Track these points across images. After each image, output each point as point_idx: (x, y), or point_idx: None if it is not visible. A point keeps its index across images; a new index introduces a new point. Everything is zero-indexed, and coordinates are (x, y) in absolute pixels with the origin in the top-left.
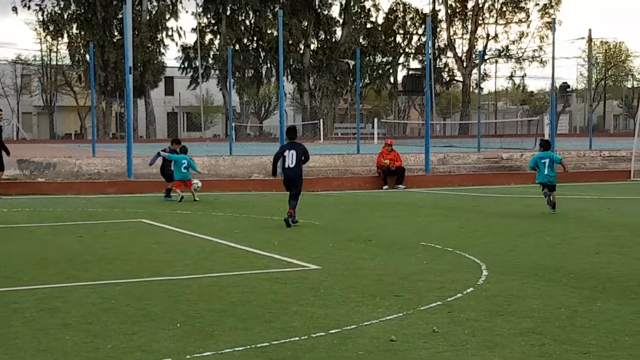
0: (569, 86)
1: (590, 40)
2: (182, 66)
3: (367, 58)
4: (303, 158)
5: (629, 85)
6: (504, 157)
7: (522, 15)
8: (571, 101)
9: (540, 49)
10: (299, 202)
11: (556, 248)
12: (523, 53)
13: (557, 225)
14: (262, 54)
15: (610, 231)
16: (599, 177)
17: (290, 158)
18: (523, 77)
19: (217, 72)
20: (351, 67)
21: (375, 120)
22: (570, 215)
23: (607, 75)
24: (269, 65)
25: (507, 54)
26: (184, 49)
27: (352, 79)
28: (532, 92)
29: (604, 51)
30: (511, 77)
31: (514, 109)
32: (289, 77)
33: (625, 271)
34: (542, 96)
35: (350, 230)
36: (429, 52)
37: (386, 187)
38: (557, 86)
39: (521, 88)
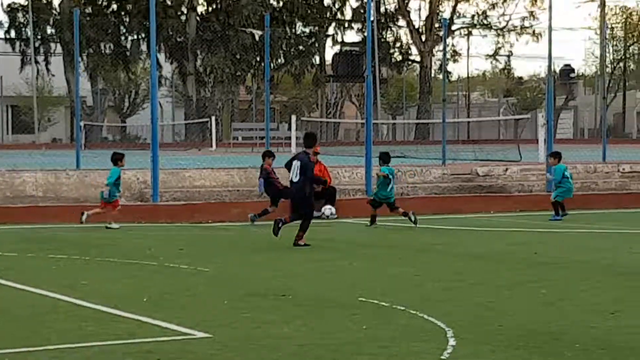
0: (573, 70)
1: (603, 4)
2: (7, 37)
3: (282, 27)
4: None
5: None
6: (480, 174)
7: None
8: (577, 92)
9: (532, 15)
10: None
11: (555, 306)
12: (508, 22)
13: (557, 273)
14: (126, 20)
15: (633, 281)
16: (617, 201)
17: (295, 170)
18: (509, 56)
19: (59, 45)
20: (257, 40)
21: (294, 118)
22: (575, 258)
23: (627, 55)
24: (135, 36)
25: (485, 22)
26: (10, 10)
27: (258, 58)
28: (520, 78)
29: (623, 20)
30: (493, 55)
31: (495, 103)
32: (166, 54)
33: None
34: (534, 84)
35: (255, 279)
36: (371, 18)
37: None
38: (557, 70)
39: (505, 72)
